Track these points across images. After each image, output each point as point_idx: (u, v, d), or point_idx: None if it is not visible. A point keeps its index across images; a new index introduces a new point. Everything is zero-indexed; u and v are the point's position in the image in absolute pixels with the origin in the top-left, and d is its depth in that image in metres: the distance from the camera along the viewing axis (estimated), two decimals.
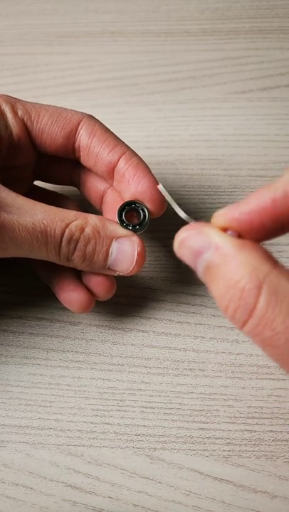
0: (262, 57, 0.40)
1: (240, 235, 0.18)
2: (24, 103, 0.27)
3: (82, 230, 0.24)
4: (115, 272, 0.26)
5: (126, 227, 0.26)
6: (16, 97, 0.27)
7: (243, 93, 0.38)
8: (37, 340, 0.29)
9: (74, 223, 0.24)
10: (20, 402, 0.28)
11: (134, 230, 0.26)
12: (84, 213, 0.25)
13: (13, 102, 0.27)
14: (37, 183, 0.31)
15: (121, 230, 0.25)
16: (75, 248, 0.24)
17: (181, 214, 0.21)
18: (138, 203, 0.26)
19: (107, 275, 0.26)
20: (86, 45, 0.42)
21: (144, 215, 0.26)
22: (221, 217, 0.18)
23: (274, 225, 0.18)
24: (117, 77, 0.40)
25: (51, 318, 0.30)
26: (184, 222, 0.20)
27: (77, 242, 0.24)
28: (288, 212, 0.17)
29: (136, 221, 0.26)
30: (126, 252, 0.25)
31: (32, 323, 0.30)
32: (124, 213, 0.26)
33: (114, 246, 0.25)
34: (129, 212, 0.26)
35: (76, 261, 0.25)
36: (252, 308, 0.16)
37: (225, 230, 0.18)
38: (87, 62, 0.41)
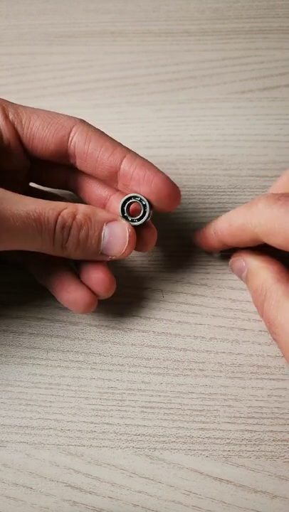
0: (262, 57, 0.40)
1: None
2: (16, 107, 0.27)
3: (74, 216, 0.25)
4: (108, 256, 0.26)
5: (126, 218, 0.26)
6: (16, 97, 0.27)
7: (243, 93, 0.38)
8: (37, 340, 0.29)
9: (65, 211, 0.25)
10: (21, 402, 0.28)
11: (132, 221, 0.26)
12: (73, 203, 0.26)
13: (4, 105, 0.26)
14: (33, 185, 0.31)
15: (110, 215, 0.26)
16: (68, 234, 0.25)
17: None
18: (139, 197, 0.26)
19: (105, 271, 0.27)
20: (86, 45, 0.42)
21: (145, 210, 0.26)
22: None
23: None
24: (117, 77, 0.40)
25: (51, 318, 0.30)
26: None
27: (70, 228, 0.25)
28: None
29: (138, 214, 0.27)
30: (117, 234, 0.26)
31: (32, 323, 0.30)
32: (125, 207, 0.27)
33: (106, 230, 0.25)
34: (131, 205, 0.27)
35: (70, 248, 0.25)
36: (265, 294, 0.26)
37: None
38: (87, 62, 0.41)
